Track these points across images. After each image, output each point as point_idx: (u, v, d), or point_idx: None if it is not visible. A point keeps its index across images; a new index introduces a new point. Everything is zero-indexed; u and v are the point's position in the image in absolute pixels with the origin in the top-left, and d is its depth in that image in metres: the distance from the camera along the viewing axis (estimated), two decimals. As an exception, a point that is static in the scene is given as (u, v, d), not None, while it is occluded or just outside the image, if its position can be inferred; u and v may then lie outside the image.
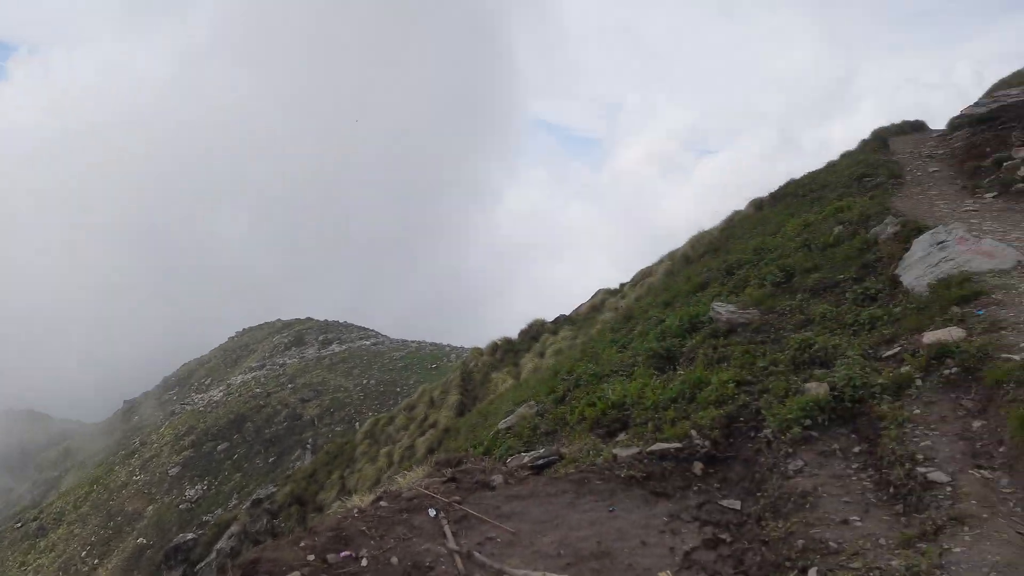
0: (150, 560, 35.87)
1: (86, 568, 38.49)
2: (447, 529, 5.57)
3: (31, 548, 42.29)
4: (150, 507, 41.18)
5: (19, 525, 45.89)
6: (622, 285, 25.95)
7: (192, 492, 41.35)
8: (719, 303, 10.36)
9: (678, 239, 23.19)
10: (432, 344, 57.79)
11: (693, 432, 6.76)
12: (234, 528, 28.39)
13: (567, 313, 27.48)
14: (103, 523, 41.58)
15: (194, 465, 43.58)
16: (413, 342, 59.10)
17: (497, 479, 6.59)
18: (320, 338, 61.39)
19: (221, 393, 54.05)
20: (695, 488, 6.22)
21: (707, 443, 6.63)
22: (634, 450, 6.75)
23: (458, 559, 5.15)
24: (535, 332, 26.32)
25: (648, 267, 24.77)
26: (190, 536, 33.63)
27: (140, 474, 44.91)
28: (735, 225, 19.85)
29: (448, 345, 56.77)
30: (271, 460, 42.19)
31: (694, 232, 22.10)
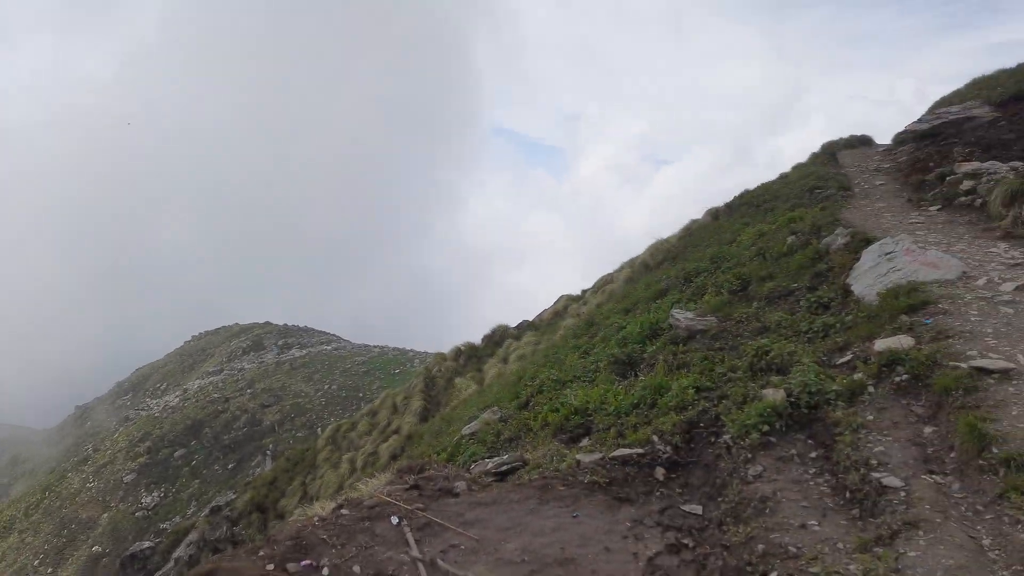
0: (106, 568, 34.98)
1: (39, 577, 37.41)
2: (410, 537, 5.55)
3: (-21, 558, 40.91)
4: (105, 515, 40.11)
5: (-34, 535, 44.32)
6: (584, 291, 26.09)
7: (148, 499, 40.41)
8: (678, 310, 10.52)
9: (638, 246, 23.48)
10: (395, 349, 57.34)
11: (655, 438, 6.85)
12: (192, 536, 27.81)
13: (530, 319, 27.56)
14: (56, 531, 40.38)
15: (150, 472, 42.59)
16: (376, 347, 58.57)
17: (460, 486, 6.58)
18: (280, 343, 60.49)
19: (177, 398, 52.92)
20: (657, 493, 6.29)
21: (669, 448, 6.72)
22: (597, 456, 6.81)
23: (421, 567, 5.14)
24: (498, 338, 26.33)
25: (609, 274, 24.96)
26: (147, 544, 32.86)
27: (94, 481, 43.73)
28: (692, 234, 20.14)
29: (411, 350, 56.36)
30: (230, 467, 41.44)
31: (653, 240, 22.40)
